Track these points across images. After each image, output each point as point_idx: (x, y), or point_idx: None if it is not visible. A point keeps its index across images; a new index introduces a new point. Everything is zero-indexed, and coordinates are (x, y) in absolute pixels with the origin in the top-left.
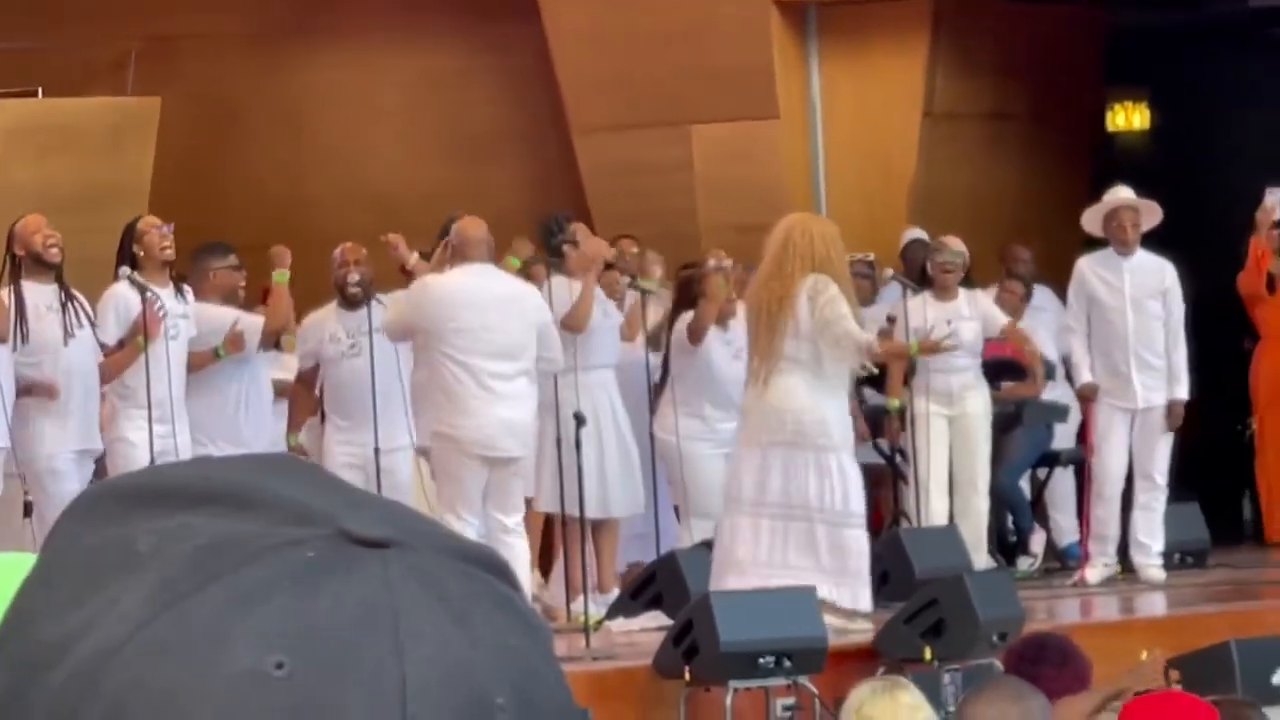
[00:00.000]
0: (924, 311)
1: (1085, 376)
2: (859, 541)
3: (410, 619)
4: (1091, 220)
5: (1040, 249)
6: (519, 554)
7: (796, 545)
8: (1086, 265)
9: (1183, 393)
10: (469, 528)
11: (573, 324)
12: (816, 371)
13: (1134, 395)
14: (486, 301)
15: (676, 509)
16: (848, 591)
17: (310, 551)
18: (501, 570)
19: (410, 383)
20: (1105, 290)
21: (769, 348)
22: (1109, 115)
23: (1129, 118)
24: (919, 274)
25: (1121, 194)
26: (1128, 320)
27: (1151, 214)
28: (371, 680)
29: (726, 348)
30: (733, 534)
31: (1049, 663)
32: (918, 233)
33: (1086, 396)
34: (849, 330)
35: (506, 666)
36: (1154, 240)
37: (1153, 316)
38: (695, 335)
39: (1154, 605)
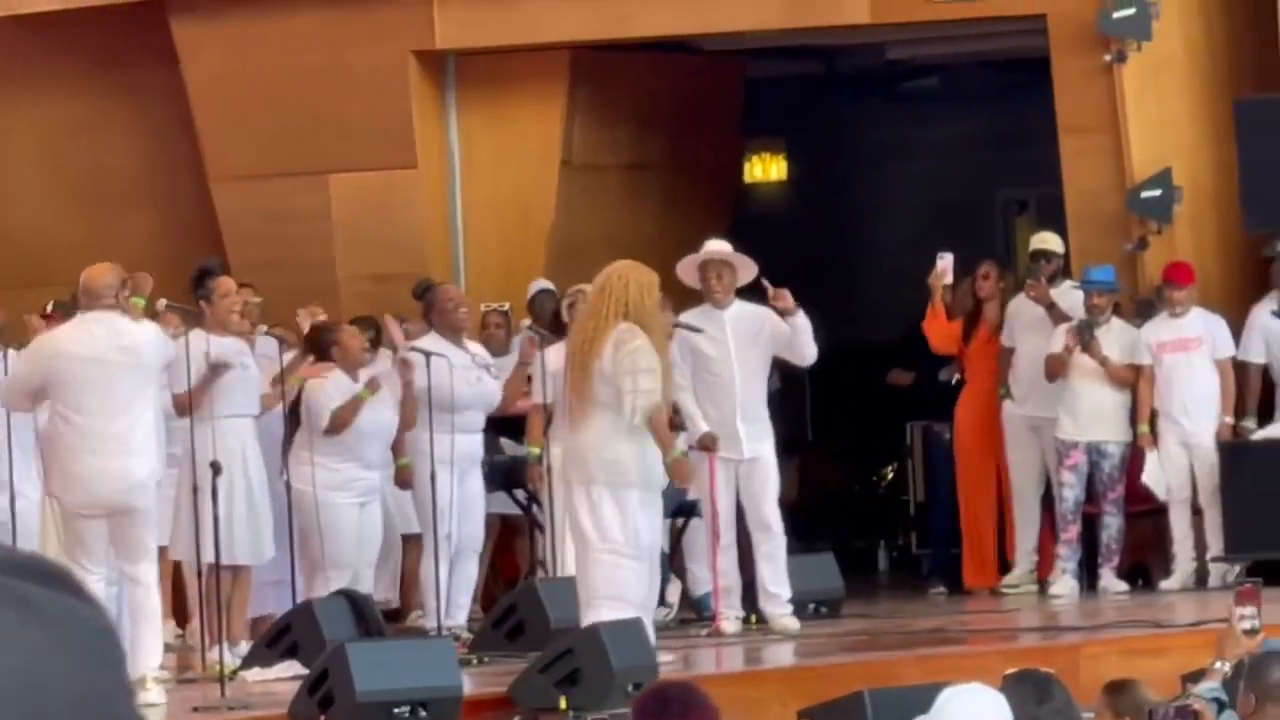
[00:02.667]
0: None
1: (702, 427)
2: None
3: None
4: (686, 270)
5: (679, 300)
6: (145, 604)
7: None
8: (687, 321)
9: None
10: (94, 577)
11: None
12: (619, 411)
13: (739, 446)
14: (100, 353)
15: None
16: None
17: None
18: (45, 575)
19: (38, 432)
20: (708, 343)
21: (580, 388)
22: (747, 166)
23: (766, 169)
24: (550, 323)
25: (712, 246)
26: (733, 371)
27: (746, 270)
28: None
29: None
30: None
31: (671, 714)
32: (544, 283)
33: (707, 446)
34: (636, 387)
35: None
36: (790, 289)
37: (756, 366)
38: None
39: (787, 655)
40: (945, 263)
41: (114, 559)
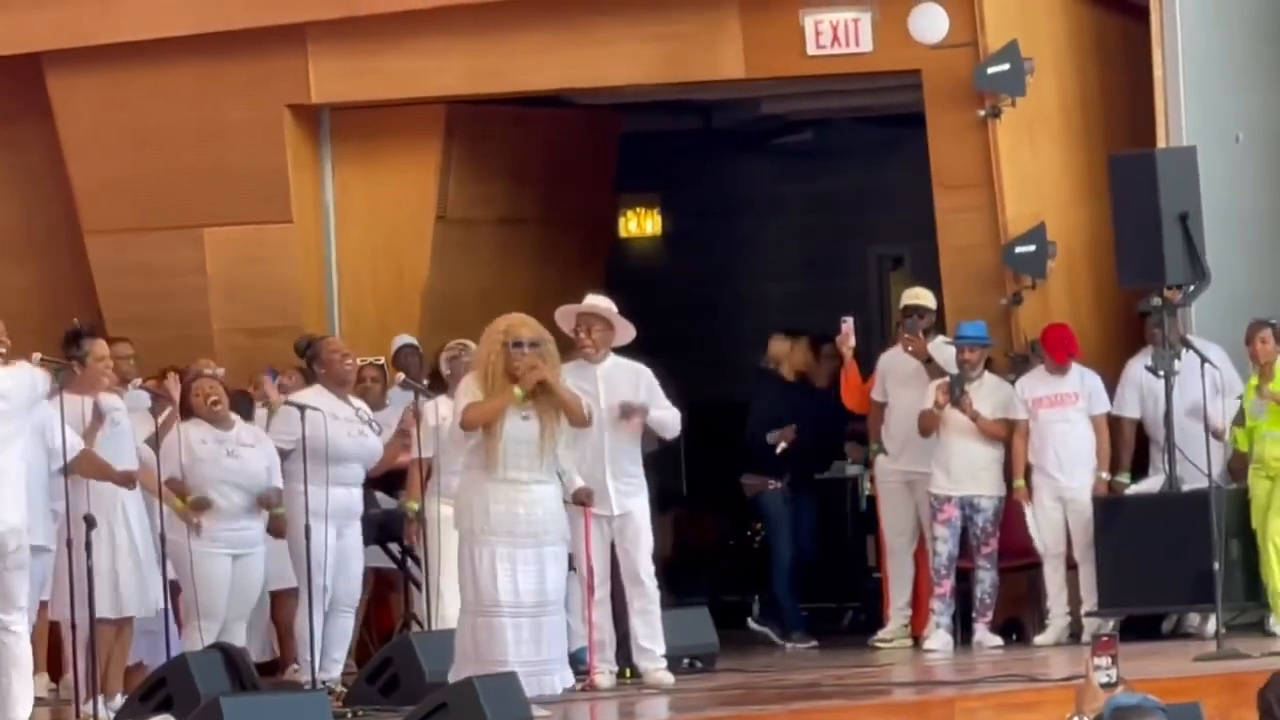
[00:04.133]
0: (437, 412)
1: (578, 482)
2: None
3: None
4: (564, 318)
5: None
6: (17, 652)
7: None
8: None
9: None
10: None
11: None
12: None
13: (609, 503)
14: None
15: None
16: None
17: None
18: None
19: None
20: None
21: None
22: (622, 220)
23: (641, 223)
24: (429, 377)
25: (589, 301)
26: (603, 428)
27: (624, 332)
28: None
29: (219, 445)
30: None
31: None
32: (408, 338)
33: (582, 501)
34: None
35: None
36: (664, 344)
37: (628, 424)
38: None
39: (662, 709)
40: (848, 326)
41: None
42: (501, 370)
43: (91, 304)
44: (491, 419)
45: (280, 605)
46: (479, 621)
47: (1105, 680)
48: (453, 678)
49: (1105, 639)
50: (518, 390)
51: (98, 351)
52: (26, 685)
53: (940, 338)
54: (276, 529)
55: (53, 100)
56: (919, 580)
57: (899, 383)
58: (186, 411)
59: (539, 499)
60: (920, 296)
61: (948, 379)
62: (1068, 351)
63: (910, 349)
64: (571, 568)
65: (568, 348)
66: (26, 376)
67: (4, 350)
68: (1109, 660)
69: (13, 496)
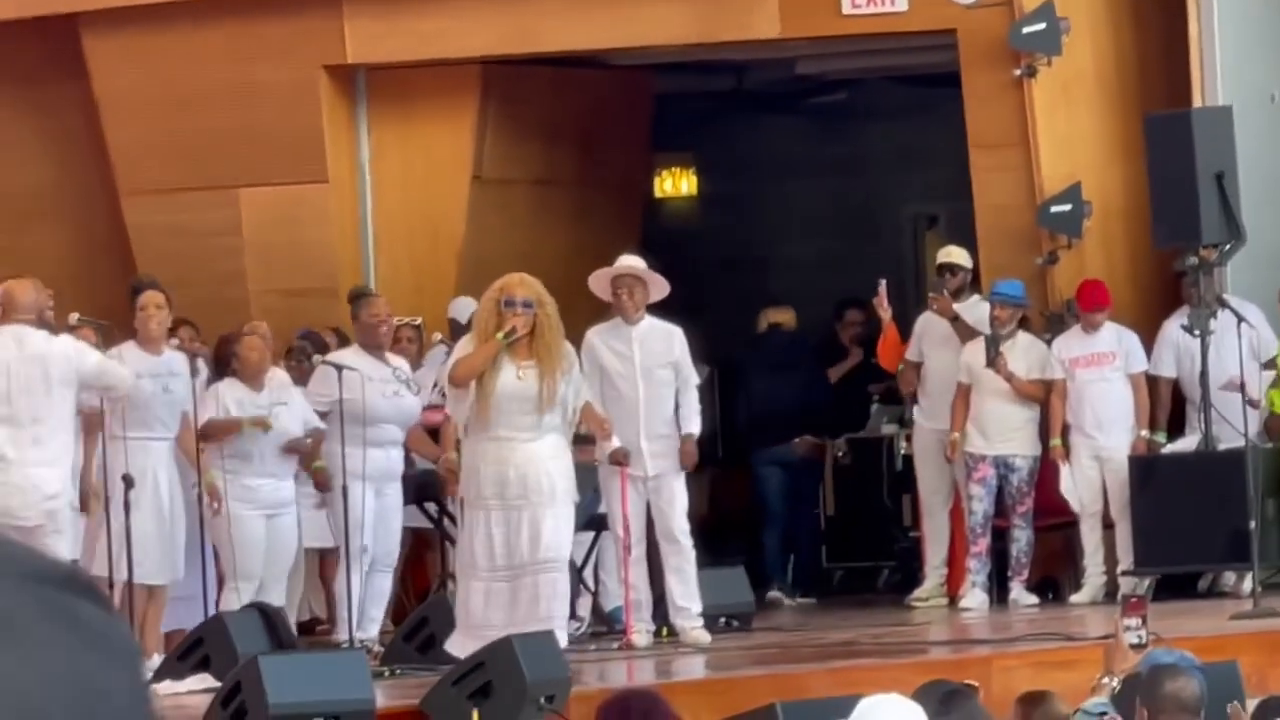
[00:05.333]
0: None
1: (615, 443)
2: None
3: None
4: (598, 284)
5: (588, 314)
6: None
7: None
8: (596, 335)
9: (695, 429)
10: None
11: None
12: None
13: (643, 463)
14: (9, 364)
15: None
16: None
17: None
18: (85, 589)
19: None
20: (615, 359)
21: None
22: (656, 181)
23: (676, 183)
24: None
25: (626, 262)
26: (638, 389)
27: (658, 287)
28: None
29: (256, 407)
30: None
31: None
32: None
33: (618, 460)
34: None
35: (63, 686)
36: (699, 303)
37: (662, 384)
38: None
39: (698, 668)
40: (882, 288)
41: None
42: (494, 329)
43: (126, 265)
44: (476, 370)
45: (326, 566)
46: (471, 585)
47: (1136, 641)
48: (449, 645)
49: (1135, 600)
50: (499, 336)
51: (140, 301)
52: None
53: (975, 296)
54: (320, 482)
55: (88, 61)
56: (954, 539)
57: (934, 343)
58: (222, 372)
59: (531, 457)
60: (953, 255)
61: (982, 339)
62: (1095, 301)
63: (935, 307)
64: (606, 528)
65: (596, 314)
66: (64, 346)
67: (50, 307)
68: (1139, 621)
69: (54, 465)
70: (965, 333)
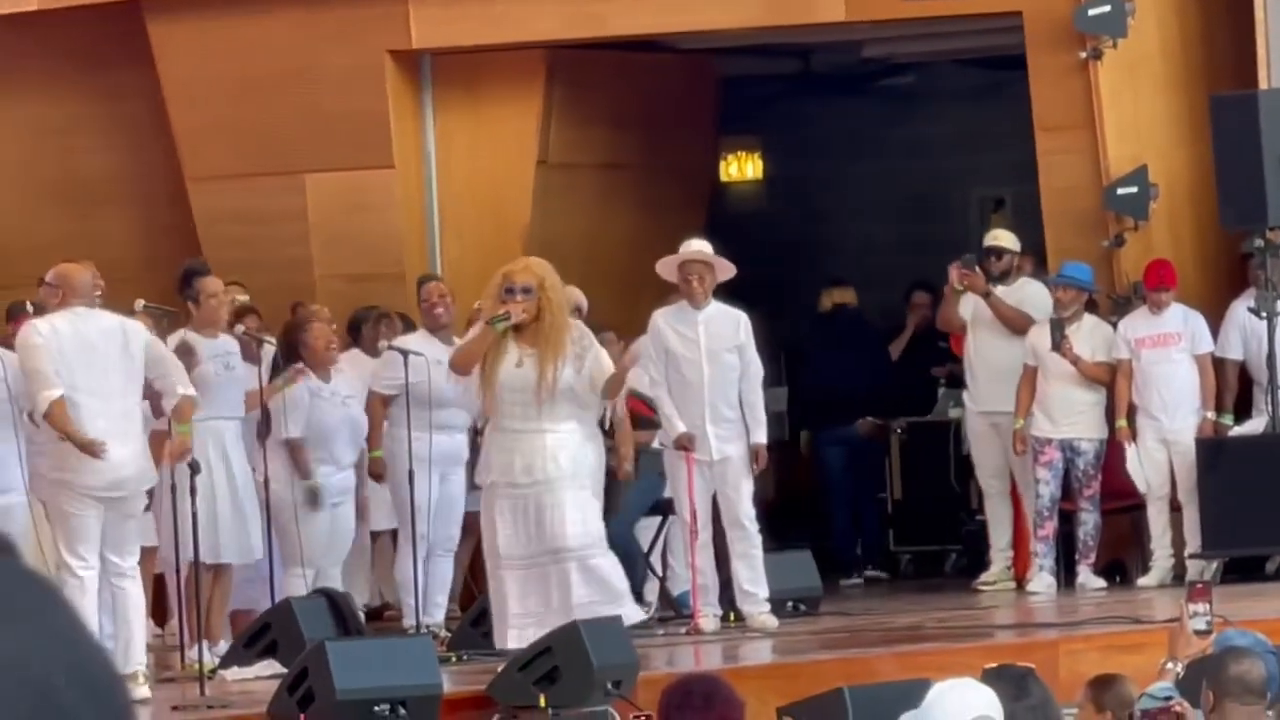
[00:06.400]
0: None
1: (679, 427)
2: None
3: None
4: (666, 269)
5: (654, 299)
6: (133, 598)
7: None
8: (661, 318)
9: (762, 437)
10: (88, 569)
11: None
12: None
13: (708, 448)
14: (87, 342)
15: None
16: None
17: None
18: (8, 547)
19: (25, 428)
20: (680, 342)
21: None
22: (722, 165)
23: (742, 167)
24: None
25: (693, 246)
26: (703, 373)
27: (724, 270)
28: None
29: (331, 399)
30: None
31: (693, 707)
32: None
33: (684, 445)
34: None
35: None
36: (765, 287)
37: (727, 369)
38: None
39: (765, 652)
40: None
41: (103, 551)
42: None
43: (192, 250)
44: (471, 357)
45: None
46: (498, 575)
47: (1201, 626)
48: (496, 639)
49: (1200, 586)
50: (491, 323)
51: (209, 288)
52: (143, 631)
53: (1022, 279)
54: (375, 472)
55: (154, 47)
56: (1018, 522)
57: (980, 326)
58: (293, 358)
59: (538, 448)
60: (1000, 238)
61: (1047, 321)
62: (1161, 279)
63: (965, 284)
64: (673, 513)
65: (659, 297)
66: (113, 324)
67: (100, 292)
68: (1206, 607)
69: (127, 446)
70: (1002, 311)
